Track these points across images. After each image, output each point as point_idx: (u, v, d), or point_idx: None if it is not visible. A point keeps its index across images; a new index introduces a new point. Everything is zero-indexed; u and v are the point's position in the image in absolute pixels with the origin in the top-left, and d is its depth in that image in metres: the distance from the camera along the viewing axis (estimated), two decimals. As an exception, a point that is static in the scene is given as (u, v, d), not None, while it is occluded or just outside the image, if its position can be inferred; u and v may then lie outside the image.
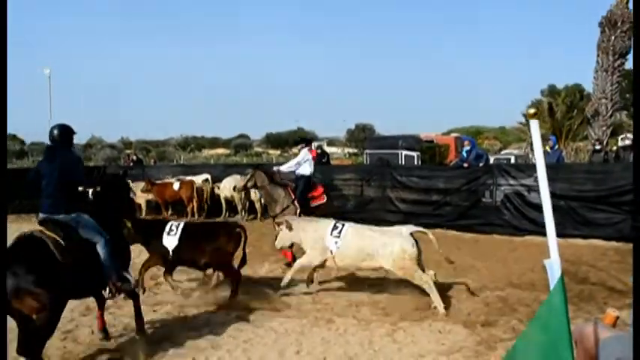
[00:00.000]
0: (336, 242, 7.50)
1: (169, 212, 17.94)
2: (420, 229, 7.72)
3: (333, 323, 6.75)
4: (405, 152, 23.98)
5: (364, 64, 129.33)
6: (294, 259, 9.46)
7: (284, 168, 11.49)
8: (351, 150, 61.21)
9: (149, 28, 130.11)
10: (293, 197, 10.82)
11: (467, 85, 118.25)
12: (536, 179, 12.51)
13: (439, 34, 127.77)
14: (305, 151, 11.46)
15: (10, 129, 72.63)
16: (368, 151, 26.96)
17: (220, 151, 77.24)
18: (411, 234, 7.44)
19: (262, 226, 14.95)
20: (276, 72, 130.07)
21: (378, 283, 8.64)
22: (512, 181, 13.29)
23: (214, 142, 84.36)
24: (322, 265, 7.84)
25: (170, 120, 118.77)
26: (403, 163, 23.14)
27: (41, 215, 5.77)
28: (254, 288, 8.43)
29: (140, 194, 17.82)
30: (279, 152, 74.58)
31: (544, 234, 2.76)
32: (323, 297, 7.88)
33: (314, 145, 20.65)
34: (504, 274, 9.17)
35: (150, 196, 17.87)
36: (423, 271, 7.35)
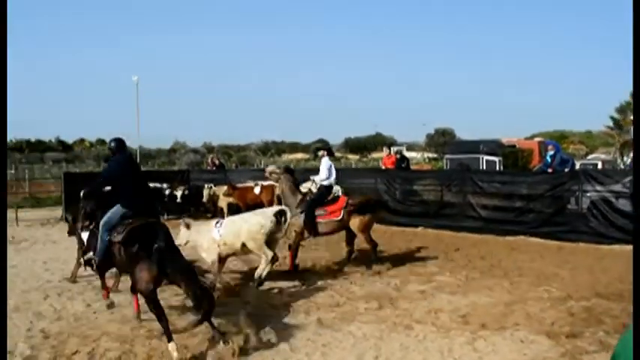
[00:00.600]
0: (218, 231, 8.76)
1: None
2: (282, 207, 9.39)
3: (411, 329, 6.70)
4: (486, 157, 23.57)
5: (444, 66, 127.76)
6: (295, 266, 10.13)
7: (318, 179, 10.78)
8: (430, 155, 60.61)
9: (229, 39, 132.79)
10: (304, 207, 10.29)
11: (551, 88, 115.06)
12: (624, 185, 12.13)
13: (521, 36, 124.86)
14: (326, 159, 10.83)
15: (101, 134, 75.85)
16: (448, 155, 26.69)
17: (300, 155, 77.93)
18: (276, 214, 8.81)
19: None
20: (354, 76, 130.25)
21: (457, 290, 8.55)
22: (599, 187, 12.82)
23: (294, 147, 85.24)
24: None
25: (251, 125, 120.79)
26: (484, 168, 22.74)
27: (132, 211, 6.73)
28: (334, 291, 8.50)
29: (222, 198, 18.30)
30: (358, 157, 74.71)
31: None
32: (401, 303, 7.83)
33: (393, 149, 20.58)
34: (590, 283, 8.85)
35: (231, 200, 18.30)
36: (272, 249, 8.79)
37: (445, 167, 26.22)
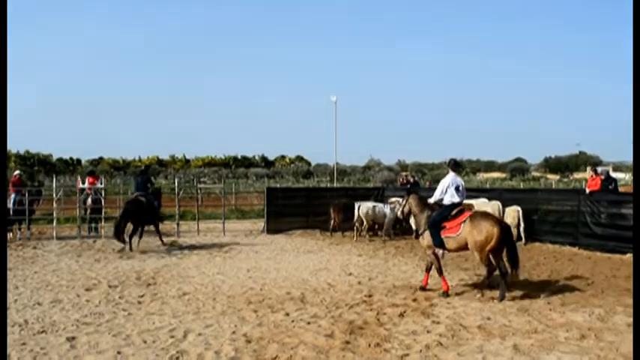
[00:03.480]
0: None
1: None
2: None
3: (618, 365, 6.22)
4: None
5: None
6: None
7: (432, 200, 10.29)
8: (640, 176, 55.92)
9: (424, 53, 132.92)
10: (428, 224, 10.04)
11: None
12: None
13: None
14: (450, 175, 10.20)
15: (298, 151, 79.72)
16: (662, 177, 24.50)
17: (495, 174, 76.03)
18: None
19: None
20: (553, 91, 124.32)
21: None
22: None
23: (489, 166, 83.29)
24: None
25: (444, 143, 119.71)
26: None
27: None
28: (532, 317, 8.13)
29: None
30: (558, 177, 71.15)
31: None
32: (606, 335, 7.28)
33: (599, 169, 19.29)
34: None
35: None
36: None
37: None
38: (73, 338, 7.09)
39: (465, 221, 9.54)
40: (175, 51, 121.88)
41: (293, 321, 7.96)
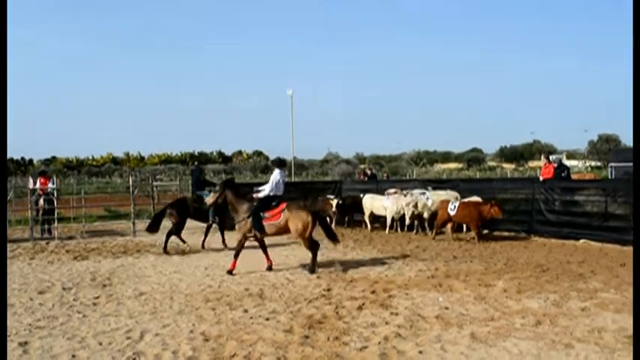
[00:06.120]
0: None
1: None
2: None
3: (572, 348, 6.31)
4: (656, 165, 21.88)
5: (605, 66, 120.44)
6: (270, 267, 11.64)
7: (261, 195, 11.66)
8: (592, 163, 57.51)
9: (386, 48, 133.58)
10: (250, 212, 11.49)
11: None
12: None
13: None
14: (277, 172, 11.82)
15: (258, 146, 79.46)
16: (613, 164, 25.37)
17: (452, 165, 76.92)
18: None
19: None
20: (509, 81, 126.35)
21: (623, 308, 7.96)
22: None
23: (446, 157, 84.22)
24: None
25: (402, 135, 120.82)
26: (654, 177, 21.11)
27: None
28: (489, 305, 8.23)
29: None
30: (513, 166, 72.37)
31: None
32: (561, 320, 7.41)
33: (552, 157, 19.64)
34: None
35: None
36: None
37: (610, 176, 24.81)
38: (26, 343, 6.89)
39: (284, 210, 11.34)
40: (130, 47, 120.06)
41: (251, 317, 7.89)
